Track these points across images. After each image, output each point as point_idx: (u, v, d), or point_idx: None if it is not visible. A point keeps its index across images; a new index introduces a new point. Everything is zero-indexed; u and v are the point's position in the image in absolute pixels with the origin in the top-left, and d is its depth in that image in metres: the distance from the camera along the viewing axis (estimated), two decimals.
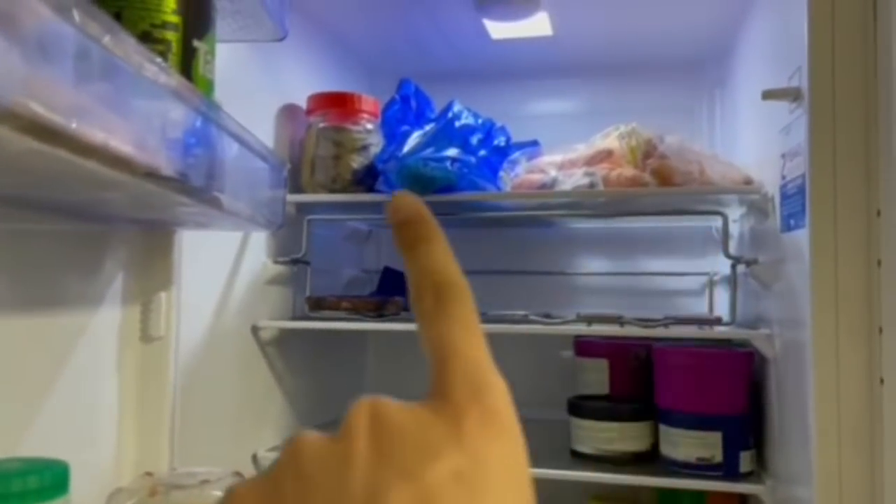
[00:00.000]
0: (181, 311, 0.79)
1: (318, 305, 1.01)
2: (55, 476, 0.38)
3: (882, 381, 0.66)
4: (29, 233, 0.59)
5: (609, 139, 0.97)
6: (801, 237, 0.73)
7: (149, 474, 0.69)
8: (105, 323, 0.69)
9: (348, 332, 1.28)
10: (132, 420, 0.72)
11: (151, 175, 0.42)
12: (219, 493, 0.68)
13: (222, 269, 0.92)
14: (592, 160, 0.97)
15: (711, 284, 1.24)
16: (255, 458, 0.98)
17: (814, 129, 0.69)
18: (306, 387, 1.14)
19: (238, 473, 0.72)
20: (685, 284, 1.26)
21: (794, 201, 0.75)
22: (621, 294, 1.27)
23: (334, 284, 1.23)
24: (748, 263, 0.93)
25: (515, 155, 1.10)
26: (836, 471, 0.70)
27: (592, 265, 1.31)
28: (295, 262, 1.04)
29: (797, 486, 0.77)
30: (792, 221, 0.76)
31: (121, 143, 0.37)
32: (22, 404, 0.59)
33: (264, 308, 1.01)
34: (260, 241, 1.00)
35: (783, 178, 0.79)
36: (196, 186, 0.48)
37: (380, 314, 0.98)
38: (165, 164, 0.43)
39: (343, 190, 1.02)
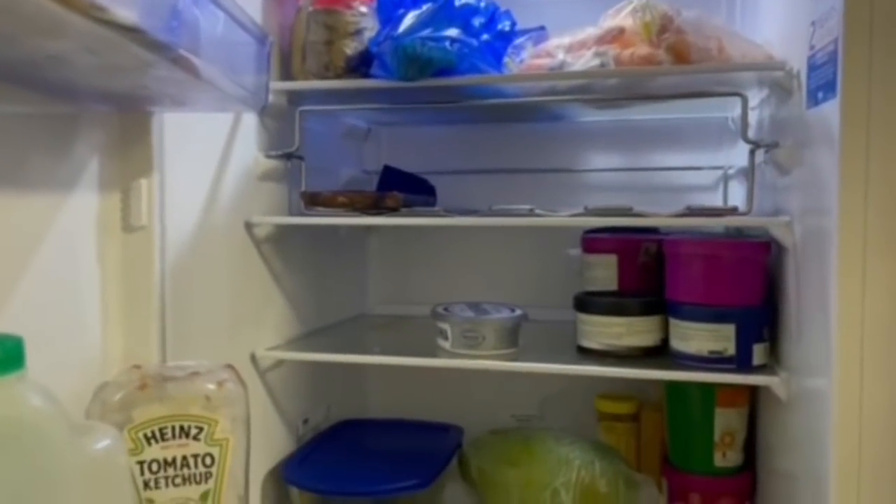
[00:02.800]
0: (166, 201, 0.74)
1: (312, 201, 0.96)
2: (7, 350, 0.35)
3: None
4: None
5: (621, 15, 0.90)
6: (829, 110, 0.67)
7: (137, 367, 0.66)
8: (82, 209, 0.64)
9: (347, 229, 1.25)
10: (118, 313, 0.69)
11: (100, 18, 0.37)
12: (211, 386, 0.66)
13: (210, 160, 0.87)
14: (603, 40, 0.90)
15: (726, 179, 1.19)
16: (253, 358, 0.96)
17: None
18: (306, 287, 1.11)
19: (230, 366, 0.69)
20: (699, 179, 1.21)
21: (823, 71, 0.68)
22: (632, 191, 1.22)
23: (332, 184, 1.18)
24: (768, 147, 0.87)
25: (521, 40, 1.03)
26: (857, 361, 0.66)
27: (602, 162, 1.26)
28: (288, 156, 0.99)
29: (814, 378, 0.74)
30: (820, 94, 0.70)
31: None
32: None
33: (257, 205, 0.97)
34: (250, 133, 0.95)
35: (811, 48, 0.72)
36: (159, 40, 0.43)
37: (377, 209, 0.94)
38: (116, 4, 0.37)
39: (336, 78, 0.96)
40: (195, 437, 0.64)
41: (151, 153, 0.69)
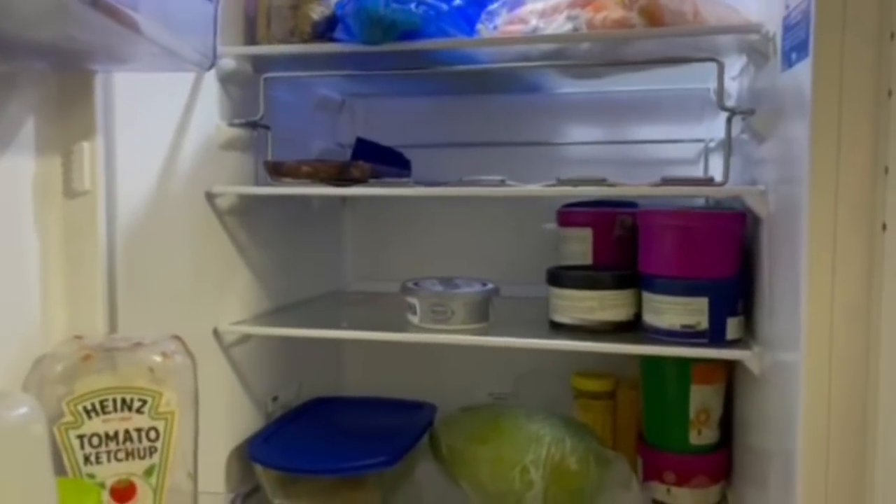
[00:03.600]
0: (117, 166, 0.71)
1: (276, 171, 0.93)
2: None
3: (885, 226, 0.59)
4: None
5: None
6: (801, 71, 0.64)
7: (78, 338, 0.64)
8: (18, 173, 0.61)
9: (321, 203, 1.23)
10: (60, 283, 0.66)
11: None
12: (156, 358, 0.63)
13: (167, 126, 0.84)
14: (575, 3, 0.87)
15: (707, 152, 1.16)
16: (216, 332, 0.93)
17: None
18: (276, 262, 1.08)
19: (177, 337, 0.67)
20: (680, 153, 1.18)
21: (797, 30, 0.65)
22: (611, 165, 1.18)
23: (303, 156, 1.14)
24: (744, 115, 0.84)
25: (494, 6, 1.00)
26: (826, 335, 0.64)
27: (580, 135, 1.23)
28: (253, 125, 0.96)
29: (785, 352, 0.72)
30: (794, 55, 0.67)
31: None
32: None
33: (220, 174, 0.94)
34: (211, 100, 0.92)
35: (786, 7, 0.69)
36: None
37: (344, 179, 0.91)
38: None
39: (302, 43, 0.93)
40: (138, 411, 0.62)
41: (94, 115, 0.65)
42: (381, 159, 1.07)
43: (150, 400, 0.62)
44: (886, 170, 0.59)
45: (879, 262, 0.60)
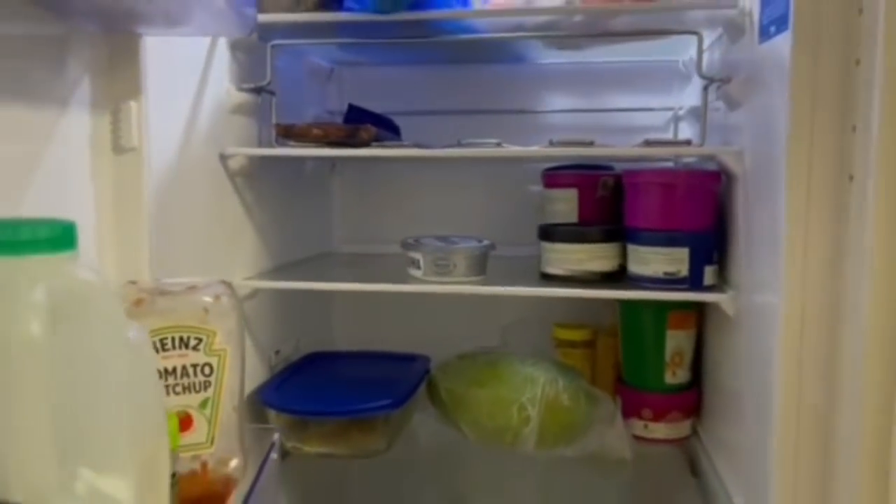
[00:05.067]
0: (150, 126, 0.76)
1: (287, 133, 0.98)
2: (64, 229, 0.37)
3: (851, 177, 0.68)
4: None
5: None
6: (781, 43, 0.73)
7: (132, 283, 0.69)
8: (75, 128, 0.66)
9: (313, 166, 1.28)
10: (111, 233, 0.70)
11: None
12: (209, 300, 0.69)
13: (188, 89, 0.88)
14: None
15: (676, 119, 1.25)
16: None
17: None
18: (275, 222, 1.13)
19: (224, 282, 0.72)
20: (651, 120, 1.27)
21: (776, 6, 0.74)
22: (590, 131, 1.24)
23: (298, 121, 1.19)
24: (721, 83, 0.93)
25: None
26: (800, 278, 0.73)
27: (561, 103, 1.31)
28: (259, 90, 1.00)
29: (763, 294, 0.81)
30: (773, 28, 0.76)
31: None
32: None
33: (230, 137, 0.98)
34: (223, 65, 0.96)
35: None
36: None
37: (352, 141, 0.96)
38: None
39: (306, 11, 0.97)
40: (194, 348, 0.67)
41: (140, 75, 0.70)
42: (374, 125, 1.13)
43: (204, 338, 0.68)
44: (854, 128, 0.68)
45: (846, 210, 0.70)
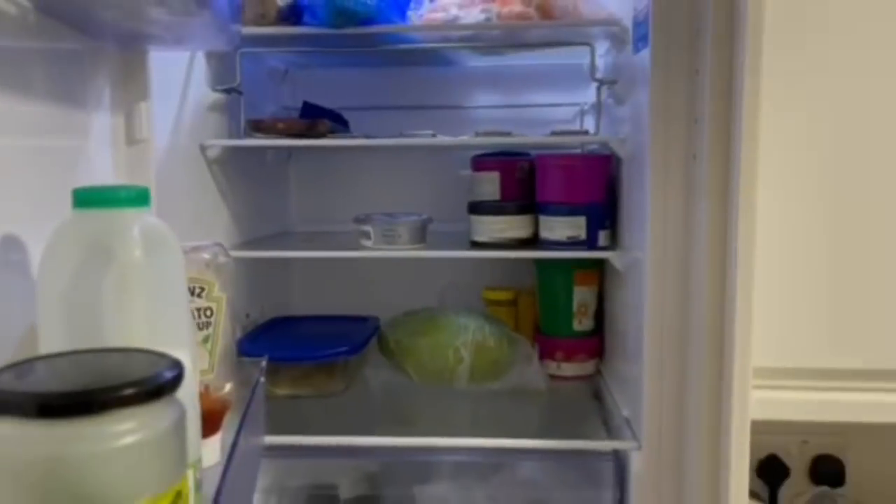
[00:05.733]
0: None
1: (256, 127, 1.17)
2: (145, 192, 0.56)
3: (695, 156, 0.92)
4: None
5: None
6: (644, 56, 0.96)
7: None
8: (98, 125, 0.84)
9: (274, 156, 1.46)
10: None
11: None
12: (208, 256, 0.88)
13: (175, 91, 1.06)
14: None
15: (582, 113, 1.49)
16: None
17: None
18: (244, 203, 1.32)
19: (219, 243, 0.91)
20: (562, 115, 1.50)
21: (642, 27, 0.97)
22: (509, 124, 1.47)
23: (260, 116, 1.38)
24: (609, 84, 1.17)
25: None
26: (661, 238, 0.96)
27: (488, 100, 1.52)
28: (230, 90, 1.19)
29: (636, 252, 1.04)
30: (640, 44, 0.99)
31: None
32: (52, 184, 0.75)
33: (208, 130, 1.17)
34: (200, 70, 1.14)
35: (636, 9, 1.01)
36: None
37: (310, 133, 1.16)
38: None
39: (269, 26, 1.16)
40: (198, 295, 0.86)
41: (148, 82, 0.88)
42: (327, 119, 1.33)
43: (206, 287, 0.86)
44: (696, 120, 0.92)
45: (691, 183, 0.94)
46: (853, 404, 0.95)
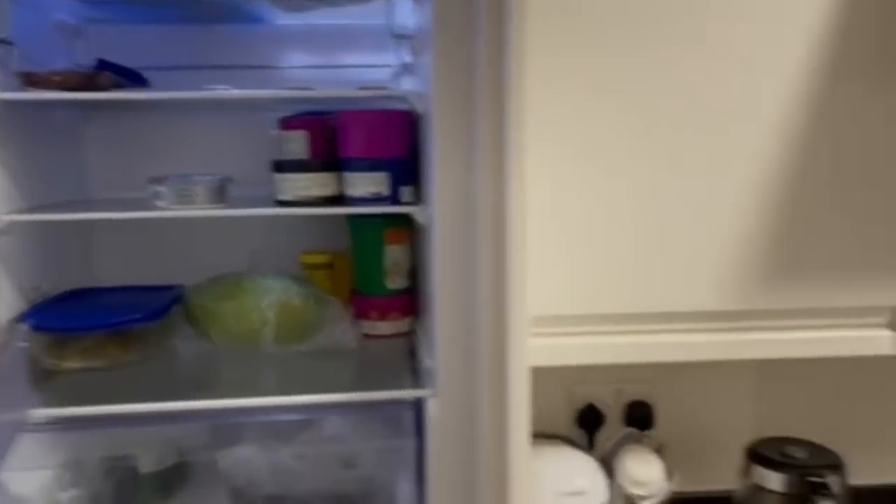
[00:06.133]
0: None
1: (29, 80, 1.08)
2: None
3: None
4: None
5: None
6: (430, 9, 0.97)
7: None
8: None
9: (61, 115, 1.36)
10: None
11: None
12: None
13: None
14: None
15: (400, 74, 1.48)
16: None
17: None
18: (27, 166, 1.21)
19: None
20: (376, 76, 1.48)
21: None
22: (325, 85, 1.47)
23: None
24: (411, 39, 1.17)
25: None
26: (449, 192, 0.98)
27: (300, 60, 1.48)
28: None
29: (430, 207, 1.06)
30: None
31: None
32: None
33: None
34: None
35: None
36: None
37: (91, 87, 1.08)
38: None
39: None
40: None
41: None
42: (121, 76, 1.24)
43: None
44: (475, 75, 0.94)
45: (472, 139, 0.96)
46: (626, 346, 1.01)
